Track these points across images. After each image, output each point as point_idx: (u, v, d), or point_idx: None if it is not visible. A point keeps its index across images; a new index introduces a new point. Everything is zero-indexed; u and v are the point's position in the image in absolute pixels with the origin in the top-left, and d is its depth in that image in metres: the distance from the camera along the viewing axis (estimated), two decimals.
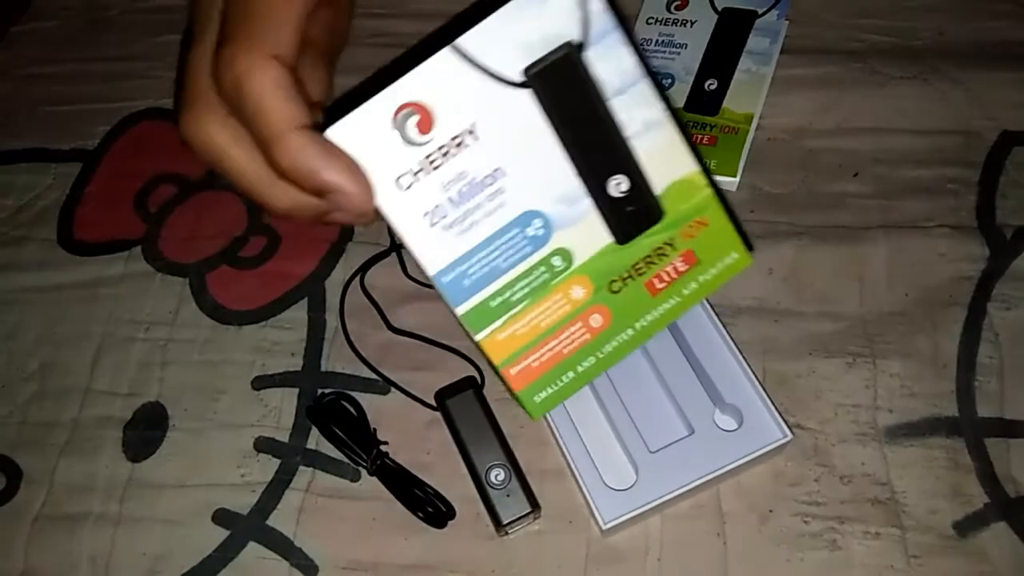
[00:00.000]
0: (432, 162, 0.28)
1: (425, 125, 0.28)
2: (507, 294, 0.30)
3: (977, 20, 0.54)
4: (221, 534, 0.43)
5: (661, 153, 0.30)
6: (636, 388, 0.43)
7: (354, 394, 0.46)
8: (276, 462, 0.45)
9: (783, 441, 0.41)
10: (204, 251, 0.52)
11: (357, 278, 0.50)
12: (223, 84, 0.27)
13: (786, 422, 0.41)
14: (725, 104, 0.51)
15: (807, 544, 0.40)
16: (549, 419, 0.42)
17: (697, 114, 0.52)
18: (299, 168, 0.27)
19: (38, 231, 0.54)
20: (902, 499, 0.41)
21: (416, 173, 0.28)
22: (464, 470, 0.43)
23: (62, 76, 0.61)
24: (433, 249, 0.29)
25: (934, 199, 0.48)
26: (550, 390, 0.32)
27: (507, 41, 0.27)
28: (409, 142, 0.28)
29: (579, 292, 0.31)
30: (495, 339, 0.31)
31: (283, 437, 0.46)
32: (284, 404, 0.47)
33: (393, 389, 0.46)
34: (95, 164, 0.57)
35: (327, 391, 0.46)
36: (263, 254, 0.51)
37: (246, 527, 0.43)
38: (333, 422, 0.44)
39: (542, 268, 0.30)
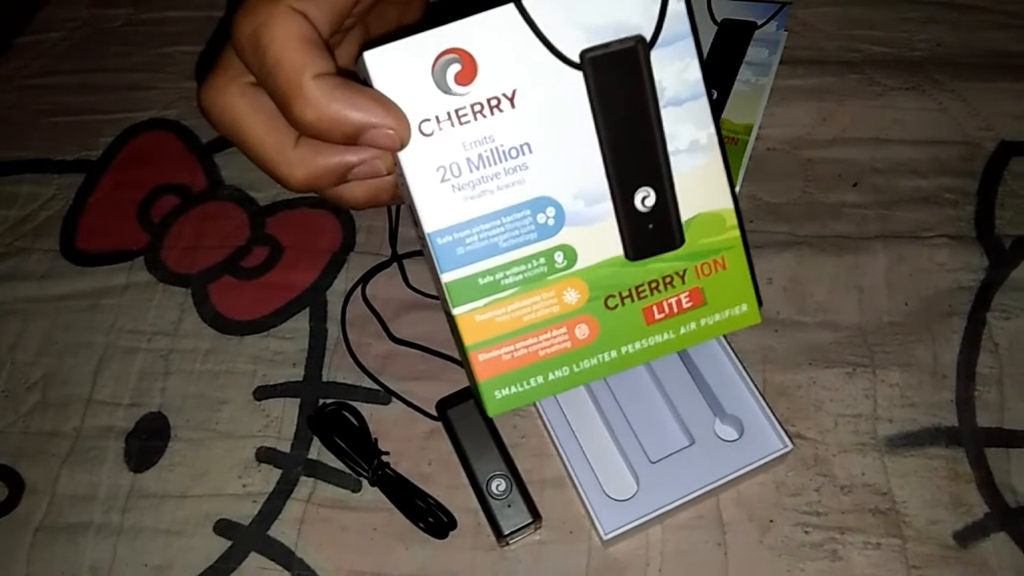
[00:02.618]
0: (461, 117, 0.27)
1: (465, 77, 0.26)
2: (499, 275, 0.28)
3: (974, 31, 0.55)
4: (223, 545, 0.44)
5: (698, 179, 0.28)
6: (636, 398, 0.44)
7: (355, 404, 0.46)
8: (277, 472, 0.45)
9: (783, 451, 0.41)
10: (206, 261, 0.52)
11: (359, 288, 0.50)
12: (241, 38, 0.26)
13: (786, 432, 0.41)
14: (724, 115, 0.52)
15: (808, 554, 0.40)
16: (549, 429, 0.43)
17: None
18: (323, 116, 0.25)
19: (41, 241, 0.54)
20: (903, 509, 0.41)
21: (441, 123, 0.27)
22: (465, 480, 0.43)
23: (66, 87, 0.61)
24: (437, 206, 0.27)
25: (933, 209, 0.48)
26: (513, 390, 0.30)
27: (575, 17, 0.26)
28: (443, 89, 0.26)
29: (573, 296, 0.29)
30: (473, 318, 0.29)
31: (284, 447, 0.46)
32: (285, 414, 0.47)
33: (394, 399, 0.46)
34: (98, 175, 0.57)
35: (328, 401, 0.46)
36: (265, 264, 0.52)
37: (248, 538, 0.43)
38: (334, 432, 0.44)
39: (542, 260, 0.29)
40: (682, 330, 0.30)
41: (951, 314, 0.45)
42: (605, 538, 0.39)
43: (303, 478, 0.45)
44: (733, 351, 0.43)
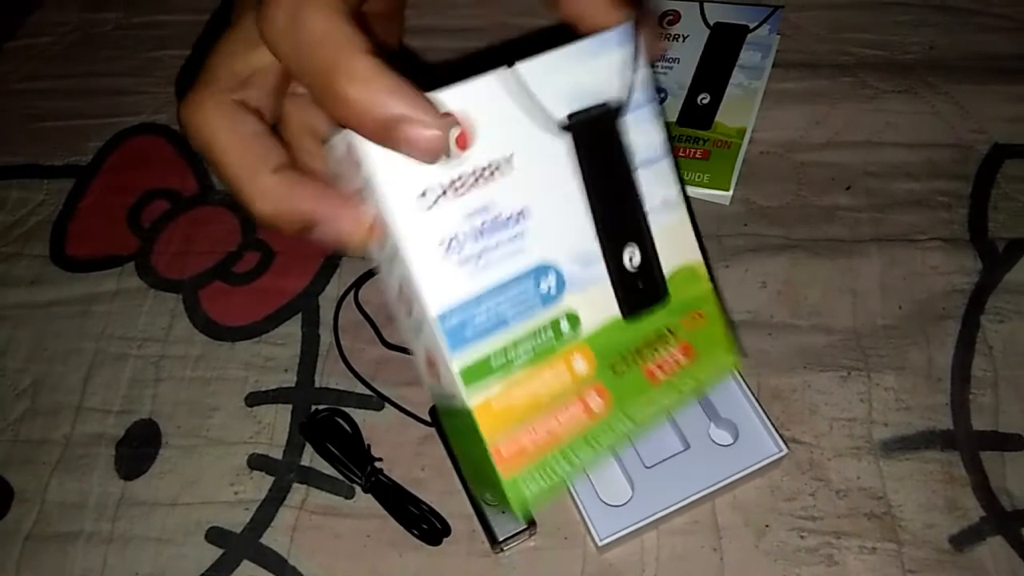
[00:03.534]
0: (461, 185, 0.25)
1: (463, 142, 0.25)
2: (511, 354, 0.26)
3: (966, 34, 0.55)
4: (214, 553, 0.43)
5: (672, 235, 0.29)
6: None
7: (348, 410, 0.46)
8: (270, 479, 0.45)
9: (779, 455, 0.41)
10: (197, 267, 0.52)
11: (351, 293, 0.50)
12: (275, 20, 0.25)
13: (781, 436, 0.41)
14: (718, 118, 0.52)
15: (804, 559, 0.40)
16: None
17: (690, 128, 0.52)
18: (368, 95, 0.24)
19: (31, 247, 0.54)
20: (898, 513, 0.41)
21: (445, 191, 0.25)
22: (459, 486, 0.42)
23: (56, 92, 0.61)
24: (443, 284, 0.25)
25: (926, 212, 0.49)
26: (542, 483, 0.27)
27: (560, 81, 0.26)
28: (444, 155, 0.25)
29: (582, 365, 0.27)
30: (490, 407, 0.26)
31: (277, 454, 0.45)
32: (278, 420, 0.46)
33: (387, 405, 0.46)
34: (88, 180, 0.57)
35: (321, 407, 0.46)
36: (256, 269, 0.51)
37: (239, 545, 0.43)
38: (327, 438, 0.44)
39: (550, 330, 0.27)
40: (682, 387, 0.29)
41: (945, 317, 0.45)
42: (600, 544, 0.39)
43: (295, 485, 0.44)
44: None
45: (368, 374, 0.47)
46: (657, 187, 0.28)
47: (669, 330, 0.29)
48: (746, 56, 0.53)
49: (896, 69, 0.54)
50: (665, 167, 0.28)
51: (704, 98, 0.52)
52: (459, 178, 0.25)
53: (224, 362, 0.48)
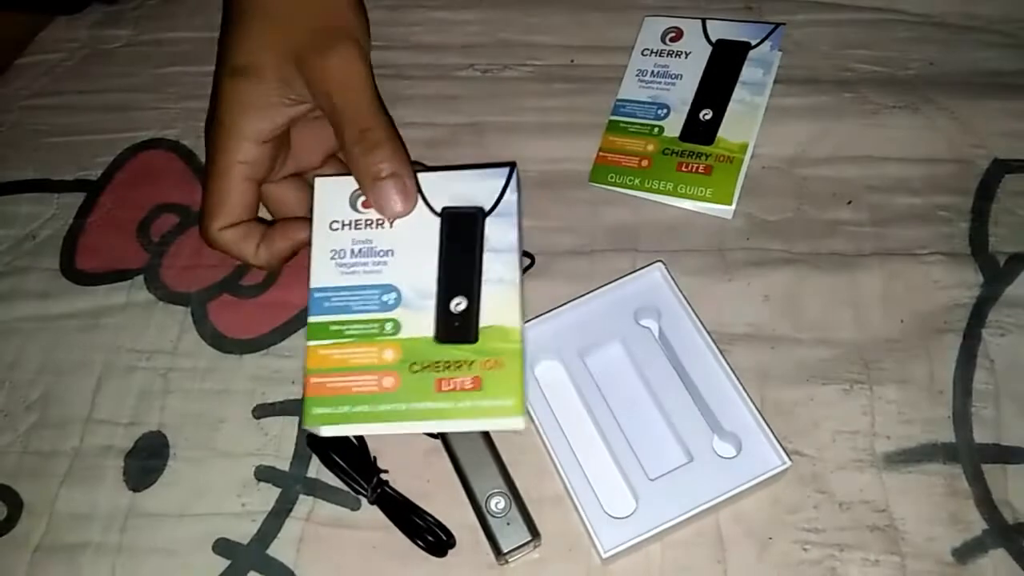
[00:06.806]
0: (357, 225, 0.42)
1: (367, 205, 0.42)
2: (344, 327, 0.40)
3: (967, 50, 0.55)
4: (221, 564, 0.43)
5: (499, 302, 0.40)
6: (634, 415, 0.44)
7: None
8: (276, 491, 0.45)
9: (782, 468, 0.41)
10: (206, 280, 0.52)
11: None
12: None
13: (784, 449, 0.41)
14: (720, 134, 0.52)
15: (807, 571, 0.40)
16: (548, 446, 0.43)
17: (693, 144, 0.52)
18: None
19: (40, 261, 0.55)
20: (901, 526, 0.41)
21: (344, 226, 0.42)
22: (464, 498, 0.43)
23: (65, 107, 0.61)
24: (323, 272, 0.41)
25: (927, 226, 0.49)
26: (327, 410, 0.39)
27: (448, 188, 0.42)
28: (352, 208, 0.42)
29: (389, 354, 0.39)
30: (317, 351, 0.40)
31: (283, 466, 0.46)
32: (284, 433, 0.47)
33: None
34: (98, 194, 0.57)
35: None
36: (264, 283, 0.52)
37: (246, 557, 0.43)
38: (333, 451, 0.44)
39: (376, 325, 0.40)
40: (459, 404, 0.38)
41: (947, 331, 0.46)
42: (604, 556, 0.39)
43: (302, 496, 0.45)
44: (730, 367, 0.43)
45: None
46: (498, 266, 0.40)
47: (466, 361, 0.39)
48: (748, 72, 0.54)
49: (897, 85, 0.54)
50: (510, 257, 0.41)
51: (706, 114, 0.53)
52: (357, 221, 0.42)
53: (232, 374, 0.49)
